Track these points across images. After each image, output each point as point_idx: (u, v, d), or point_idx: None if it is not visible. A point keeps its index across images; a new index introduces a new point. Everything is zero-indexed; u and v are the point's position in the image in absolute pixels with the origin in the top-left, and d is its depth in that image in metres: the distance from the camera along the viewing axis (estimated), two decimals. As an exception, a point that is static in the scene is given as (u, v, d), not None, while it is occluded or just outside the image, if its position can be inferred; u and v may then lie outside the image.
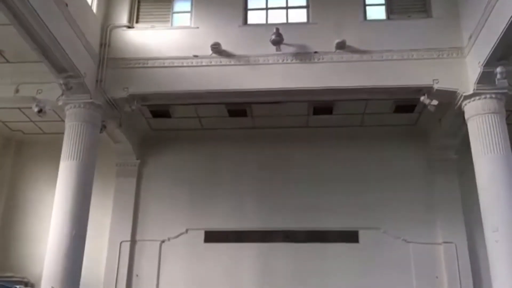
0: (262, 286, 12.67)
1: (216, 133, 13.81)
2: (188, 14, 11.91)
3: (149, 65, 11.21)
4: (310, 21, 11.62)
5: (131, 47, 11.43)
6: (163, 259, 13.05)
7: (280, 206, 13.22)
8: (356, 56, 10.91)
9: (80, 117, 10.67)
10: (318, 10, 11.57)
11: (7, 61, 11.02)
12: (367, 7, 11.62)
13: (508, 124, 10.23)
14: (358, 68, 10.84)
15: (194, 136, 13.92)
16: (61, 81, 10.16)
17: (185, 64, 11.15)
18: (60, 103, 10.83)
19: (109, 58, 11.33)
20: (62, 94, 10.68)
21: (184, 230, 13.24)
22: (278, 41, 10.78)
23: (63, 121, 11.08)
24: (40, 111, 10.79)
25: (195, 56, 11.15)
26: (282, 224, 13.08)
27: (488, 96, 10.10)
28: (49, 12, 9.11)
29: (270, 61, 11.03)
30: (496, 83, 9.70)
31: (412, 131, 13.50)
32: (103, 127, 11.26)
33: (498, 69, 9.46)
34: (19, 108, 12.53)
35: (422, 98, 10.69)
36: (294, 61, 11.01)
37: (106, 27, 11.59)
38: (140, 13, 12.05)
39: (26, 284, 12.69)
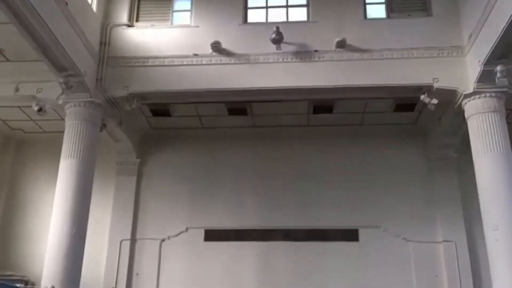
0: (262, 284, 12.68)
1: (216, 132, 13.82)
2: (188, 13, 11.89)
3: (149, 63, 11.20)
4: (310, 19, 11.61)
5: (131, 45, 11.43)
6: (163, 257, 13.06)
7: (280, 205, 13.23)
8: (356, 55, 10.91)
9: (80, 115, 10.67)
10: (318, 8, 11.56)
11: (7, 60, 11.01)
12: (367, 6, 11.61)
13: (508, 122, 10.23)
14: (358, 66, 10.84)
15: (194, 134, 13.93)
16: (61, 80, 10.16)
17: (185, 63, 11.15)
18: (60, 101, 10.83)
19: (109, 57, 11.32)
20: (62, 93, 10.68)
21: (184, 228, 13.25)
22: (278, 40, 10.77)
23: (63, 119, 11.08)
24: (40, 109, 10.79)
25: (195, 55, 11.15)
26: (282, 222, 13.10)
27: (488, 94, 10.09)
28: (49, 10, 9.11)
29: (270, 60, 11.03)
30: (496, 81, 9.69)
31: (412, 130, 13.50)
32: (103, 125, 11.26)
33: (498, 68, 9.46)
34: (19, 107, 12.54)
35: (422, 96, 10.69)
36: (294, 59, 11.00)
37: (106, 26, 11.58)
38: (140, 12, 12.05)
39: (26, 282, 12.69)
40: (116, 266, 12.82)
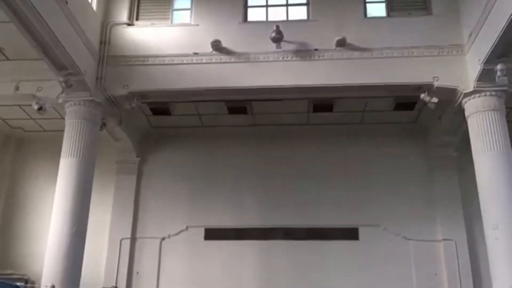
0: (262, 283, 12.69)
1: (216, 131, 13.82)
2: (188, 12, 11.89)
3: (149, 62, 11.20)
4: (310, 18, 11.61)
5: (131, 44, 11.42)
6: (163, 256, 13.07)
7: (280, 203, 13.23)
8: (356, 54, 10.90)
9: (80, 114, 10.66)
10: (318, 7, 11.55)
11: (7, 59, 11.01)
12: (367, 4, 11.61)
13: (508, 121, 10.23)
14: (358, 65, 10.83)
15: (194, 133, 13.93)
16: (61, 79, 10.16)
17: (185, 62, 11.14)
18: (60, 100, 10.82)
19: (109, 56, 11.32)
20: (62, 92, 10.67)
21: (184, 227, 13.25)
22: (278, 39, 10.77)
23: (63, 118, 11.08)
24: (40, 108, 10.79)
25: (195, 54, 11.14)
26: (282, 221, 13.10)
27: (488, 93, 10.09)
28: (49, 9, 9.10)
29: (270, 59, 11.02)
30: (496, 80, 9.70)
31: (412, 128, 13.50)
32: (103, 124, 11.26)
33: (498, 67, 9.46)
34: (19, 106, 12.54)
35: (422, 95, 10.69)
36: (294, 58, 11.00)
37: (106, 25, 11.58)
38: (140, 11, 12.04)
39: (26, 281, 12.70)
40: (116, 264, 12.83)
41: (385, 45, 10.87)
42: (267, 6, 12.07)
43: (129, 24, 11.71)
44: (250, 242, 13.06)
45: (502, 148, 9.73)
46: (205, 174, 13.66)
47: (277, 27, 10.74)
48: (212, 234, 13.19)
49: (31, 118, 13.24)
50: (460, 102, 10.52)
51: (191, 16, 11.79)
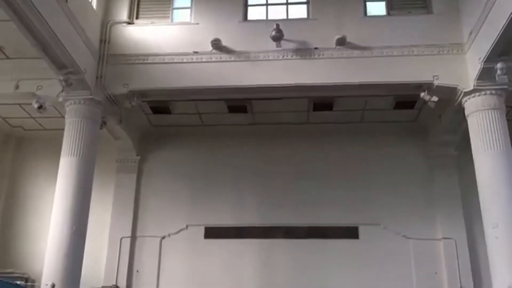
0: (262, 282, 12.69)
1: (216, 129, 13.81)
2: (188, 10, 11.90)
3: (149, 61, 11.20)
4: (310, 17, 11.61)
5: (131, 43, 11.42)
6: (163, 255, 13.08)
7: (280, 202, 13.24)
8: (356, 52, 10.90)
9: (80, 113, 10.67)
10: (318, 6, 11.55)
11: (7, 57, 11.01)
12: (367, 3, 11.62)
13: (508, 120, 10.24)
14: (358, 64, 10.83)
15: (194, 132, 13.93)
16: (61, 78, 10.17)
17: (185, 60, 11.14)
18: (60, 99, 10.83)
19: (109, 54, 11.32)
20: (62, 90, 10.68)
21: (184, 226, 13.26)
22: (278, 37, 10.77)
23: (63, 117, 11.08)
24: (40, 107, 10.80)
25: (195, 52, 11.14)
26: (282, 220, 13.10)
27: (488, 92, 10.10)
28: (49, 8, 9.10)
29: (270, 57, 11.02)
30: (496, 79, 9.70)
31: (412, 127, 13.50)
32: (103, 123, 11.27)
33: (499, 65, 9.46)
34: (19, 104, 12.54)
35: (422, 94, 10.69)
36: (294, 57, 11.00)
37: (106, 23, 11.58)
38: (140, 9, 12.04)
39: (26, 280, 12.71)
40: (117, 263, 12.84)
41: (385, 44, 10.87)
42: (267, 4, 12.06)
43: (129, 23, 11.71)
44: (250, 241, 13.06)
45: (502, 147, 9.74)
46: (205, 172, 13.66)
47: (277, 25, 10.75)
48: (212, 232, 13.19)
49: (31, 117, 13.24)
50: (460, 101, 10.52)
51: (191, 14, 11.80)
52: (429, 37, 10.84)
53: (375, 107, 12.79)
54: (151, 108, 12.87)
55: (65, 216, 9.93)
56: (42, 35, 9.14)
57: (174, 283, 12.79)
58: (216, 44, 11.02)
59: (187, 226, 13.26)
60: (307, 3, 11.80)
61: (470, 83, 10.31)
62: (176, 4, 12.11)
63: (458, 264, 12.29)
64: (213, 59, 11.10)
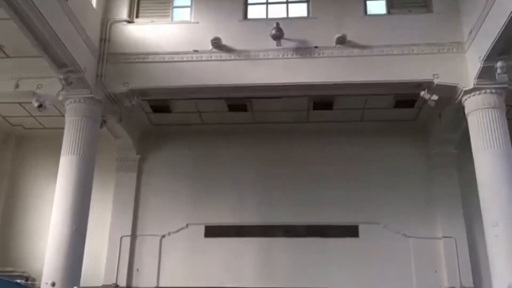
0: (263, 280, 12.69)
1: (216, 128, 13.81)
2: (188, 9, 11.90)
3: (149, 60, 11.20)
4: (311, 15, 11.61)
5: (131, 42, 11.42)
6: (163, 253, 13.09)
7: (280, 201, 13.24)
8: (356, 51, 10.91)
9: (80, 112, 10.68)
10: (319, 4, 11.55)
11: (7, 56, 11.03)
12: (368, 2, 11.63)
13: (508, 119, 10.26)
14: (358, 63, 10.84)
15: (194, 131, 13.92)
16: (61, 76, 10.17)
17: (185, 59, 11.15)
18: (60, 98, 10.84)
19: (109, 53, 11.33)
20: (62, 89, 10.69)
21: (184, 224, 13.27)
22: (278, 36, 10.77)
23: (63, 116, 11.09)
24: (40, 106, 10.81)
25: (195, 51, 11.14)
26: (282, 218, 13.11)
27: (488, 91, 10.11)
28: (49, 7, 9.11)
29: (271, 56, 11.03)
30: (496, 77, 9.71)
31: (412, 126, 13.50)
32: (103, 122, 11.28)
33: (499, 64, 9.47)
34: (19, 103, 12.53)
35: (422, 93, 10.70)
36: (294, 56, 11.00)
37: (106, 22, 11.58)
38: (140, 8, 12.04)
39: (26, 278, 12.70)
40: (117, 262, 12.85)
41: (385, 43, 10.88)
42: (267, 3, 12.07)
43: (129, 22, 11.71)
44: (250, 239, 13.07)
45: (502, 145, 9.75)
46: (205, 171, 13.66)
47: (277, 24, 10.74)
48: (212, 231, 13.20)
49: (31, 116, 13.24)
50: (460, 100, 10.53)
51: (191, 13, 11.80)
52: (429, 35, 10.85)
53: (375, 106, 12.79)
54: (151, 106, 12.86)
55: (65, 215, 9.94)
56: (43, 34, 9.15)
57: (174, 282, 12.78)
58: (216, 43, 11.02)
59: (187, 225, 13.27)
60: (307, 1, 11.80)
61: (470, 81, 10.31)
62: (176, 3, 12.11)
63: (458, 262, 12.30)
64: (213, 58, 11.11)
